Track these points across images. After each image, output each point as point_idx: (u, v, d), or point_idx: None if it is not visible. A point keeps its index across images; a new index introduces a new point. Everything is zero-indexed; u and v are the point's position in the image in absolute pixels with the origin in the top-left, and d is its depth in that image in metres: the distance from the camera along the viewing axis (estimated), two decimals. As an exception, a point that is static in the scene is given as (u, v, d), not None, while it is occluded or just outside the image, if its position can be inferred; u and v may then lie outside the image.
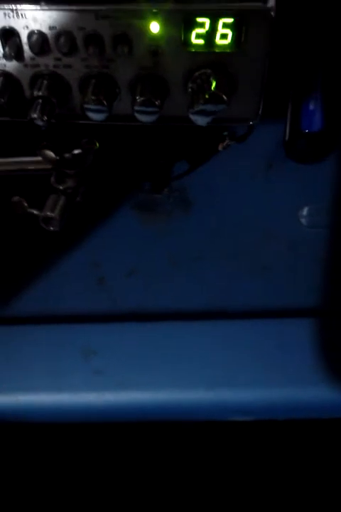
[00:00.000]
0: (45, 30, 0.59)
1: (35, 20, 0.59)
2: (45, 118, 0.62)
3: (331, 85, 0.72)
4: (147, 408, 0.62)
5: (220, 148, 0.71)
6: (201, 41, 0.60)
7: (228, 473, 1.20)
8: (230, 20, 0.58)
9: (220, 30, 0.59)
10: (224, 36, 0.59)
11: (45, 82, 0.62)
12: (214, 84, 0.60)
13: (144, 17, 0.58)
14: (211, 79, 0.61)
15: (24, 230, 0.67)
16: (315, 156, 0.72)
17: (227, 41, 0.59)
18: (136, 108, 0.62)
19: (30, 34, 0.60)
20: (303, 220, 0.69)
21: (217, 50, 0.60)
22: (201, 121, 0.63)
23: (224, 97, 0.61)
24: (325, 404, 0.61)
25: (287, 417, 0.67)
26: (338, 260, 0.66)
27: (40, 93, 0.62)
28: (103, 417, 0.64)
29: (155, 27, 0.59)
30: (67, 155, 0.66)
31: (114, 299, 0.65)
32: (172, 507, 1.18)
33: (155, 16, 0.58)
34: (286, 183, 0.71)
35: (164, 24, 0.58)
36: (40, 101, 0.62)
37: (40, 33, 0.59)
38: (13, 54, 0.61)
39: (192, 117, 0.63)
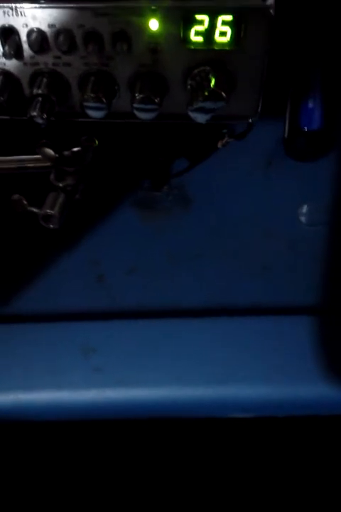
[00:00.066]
0: (44, 28, 0.59)
1: (34, 18, 0.59)
2: (45, 116, 0.62)
3: (330, 83, 0.72)
4: (147, 405, 0.62)
5: (219, 145, 0.71)
6: (200, 38, 0.60)
7: (228, 470, 1.20)
8: (229, 17, 0.58)
9: (219, 27, 0.59)
10: (223, 34, 0.59)
11: (45, 80, 0.62)
12: (213, 81, 0.60)
13: (143, 14, 0.58)
14: (210, 76, 0.61)
15: (24, 228, 0.67)
16: (315, 153, 0.72)
17: (226, 39, 0.59)
18: (135, 105, 0.62)
19: (30, 32, 0.60)
20: (303, 218, 0.69)
21: (216, 48, 0.60)
22: (200, 118, 0.63)
23: (223, 95, 0.61)
24: (324, 401, 0.61)
25: (286, 413, 0.67)
26: (337, 258, 0.67)
27: (40, 91, 0.62)
28: (103, 415, 0.64)
29: (154, 24, 0.59)
30: (66, 153, 0.66)
31: (114, 296, 0.65)
32: (173, 505, 1.18)
33: (154, 13, 0.58)
34: (286, 181, 0.71)
35: (163, 21, 0.58)
36: (40, 99, 0.62)
37: (40, 31, 0.59)
38: (12, 52, 0.61)
39: (192, 115, 0.63)
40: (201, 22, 0.59)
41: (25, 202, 0.64)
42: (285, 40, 0.71)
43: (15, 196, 0.65)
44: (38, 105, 0.62)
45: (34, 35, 0.60)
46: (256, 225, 0.69)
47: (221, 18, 0.58)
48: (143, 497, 1.19)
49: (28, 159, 0.68)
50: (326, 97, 0.71)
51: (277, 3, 0.57)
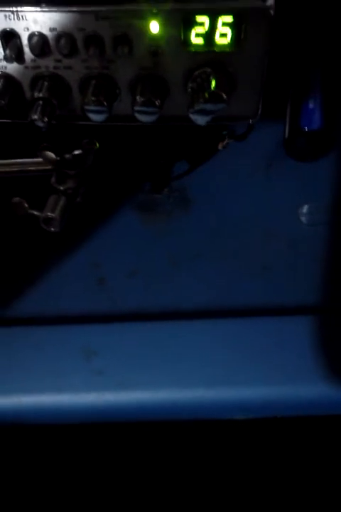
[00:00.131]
0: (45, 31, 0.59)
1: (35, 21, 0.58)
2: (46, 119, 0.61)
3: (330, 84, 0.72)
4: (147, 408, 0.62)
5: (220, 147, 0.71)
6: (200, 40, 0.59)
7: (228, 472, 1.20)
8: (229, 19, 0.58)
9: (220, 29, 0.59)
10: (223, 35, 0.59)
11: (46, 83, 0.62)
12: (213, 83, 0.60)
13: (144, 17, 0.58)
14: (211, 78, 0.61)
15: (25, 231, 0.67)
16: (315, 154, 0.72)
17: (227, 40, 0.59)
18: (136, 108, 0.62)
19: (31, 36, 0.60)
20: (303, 218, 0.69)
21: (216, 49, 0.60)
22: (201, 120, 0.63)
23: (224, 96, 0.61)
24: (324, 402, 0.61)
25: (286, 414, 0.67)
26: (338, 258, 0.67)
27: (41, 94, 0.62)
28: (103, 417, 0.64)
29: (154, 27, 0.59)
30: (67, 156, 0.66)
31: (115, 299, 0.65)
32: (173, 507, 1.19)
33: (154, 16, 0.58)
34: (286, 182, 0.71)
35: (164, 24, 0.58)
36: (41, 102, 0.62)
37: (41, 35, 0.59)
38: (13, 56, 0.60)
39: (192, 117, 0.63)
40: (201, 24, 0.58)
41: (26, 205, 0.64)
42: (286, 41, 0.71)
43: (16, 199, 0.65)
44: (39, 108, 0.61)
45: (35, 39, 0.60)
46: (256, 225, 0.69)
47: (221, 19, 0.58)
48: (144, 499, 1.19)
49: (29, 162, 0.68)
50: (326, 98, 0.71)
51: (277, 3, 0.57)
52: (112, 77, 0.62)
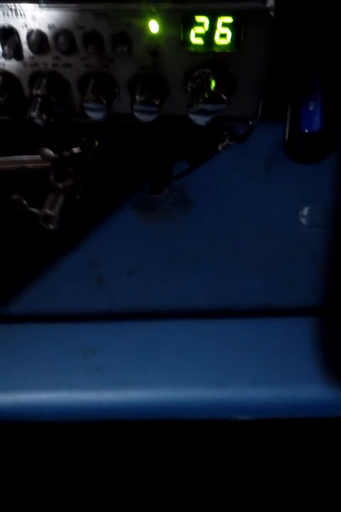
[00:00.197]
0: (44, 29, 0.59)
1: (34, 19, 0.59)
2: (44, 117, 0.62)
3: (331, 85, 0.72)
4: (147, 407, 0.62)
5: (220, 148, 0.71)
6: (200, 41, 0.59)
7: (228, 473, 1.20)
8: (229, 19, 0.58)
9: (219, 29, 0.59)
10: (223, 36, 0.59)
11: (44, 81, 0.62)
12: (213, 83, 0.60)
13: (143, 16, 0.58)
14: (210, 78, 0.61)
15: (23, 229, 0.67)
16: (315, 155, 0.72)
17: (227, 41, 0.59)
18: (136, 107, 0.62)
19: (29, 33, 0.60)
20: (303, 220, 0.69)
21: (216, 50, 0.60)
22: (201, 120, 0.63)
23: (224, 97, 0.61)
24: (325, 403, 0.61)
25: (287, 415, 0.67)
26: (338, 260, 0.67)
27: (40, 92, 0.62)
28: (102, 416, 0.64)
29: (154, 26, 0.59)
30: (66, 153, 0.66)
31: (114, 297, 0.65)
32: (173, 507, 1.18)
33: (154, 15, 0.58)
34: (286, 183, 0.71)
35: (163, 24, 0.58)
36: (40, 100, 0.62)
37: (39, 32, 0.59)
38: (12, 53, 0.61)
39: (192, 117, 0.63)
40: (201, 24, 0.59)
41: (24, 202, 0.64)
42: (286, 42, 0.71)
43: (15, 196, 0.65)
44: (38, 106, 0.62)
45: (34, 36, 0.60)
46: (256, 226, 0.69)
47: (221, 20, 0.58)
48: (143, 498, 1.19)
49: (27, 160, 0.68)
50: (326, 99, 0.71)
51: (277, 4, 0.57)
52: (111, 75, 0.62)
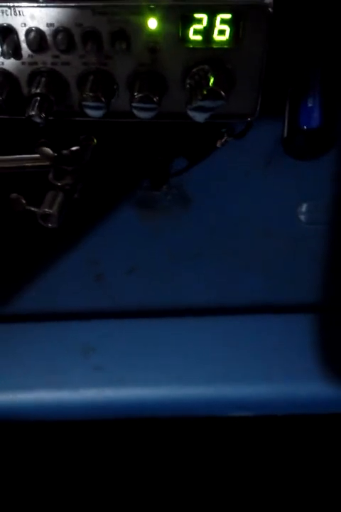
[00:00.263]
0: (42, 27, 0.59)
1: (32, 17, 0.59)
2: (43, 115, 0.62)
3: (329, 82, 0.72)
4: (147, 404, 0.61)
5: (218, 144, 0.71)
6: (199, 37, 0.60)
7: (228, 469, 1.20)
8: (228, 16, 0.58)
9: (218, 26, 0.59)
10: (221, 32, 0.59)
11: (43, 79, 0.62)
12: (212, 80, 0.60)
13: (142, 13, 0.58)
14: (209, 75, 0.61)
15: (22, 227, 0.67)
16: (314, 152, 0.72)
17: (225, 37, 0.59)
18: (134, 104, 0.62)
19: (28, 31, 0.60)
20: (302, 217, 0.69)
21: (214, 46, 0.60)
22: (199, 117, 0.63)
23: (222, 93, 0.61)
24: (324, 400, 0.61)
25: (287, 412, 0.67)
26: (337, 256, 0.66)
27: (38, 90, 0.62)
28: (102, 414, 0.64)
29: (152, 23, 0.59)
30: (65, 152, 0.66)
31: (113, 296, 0.65)
32: (172, 504, 1.18)
33: (152, 12, 0.58)
34: (285, 180, 0.71)
35: (162, 20, 0.59)
36: (38, 98, 0.62)
37: (38, 31, 0.59)
38: (10, 51, 0.60)
39: (191, 113, 0.63)
40: (200, 21, 0.59)
41: (23, 201, 0.64)
42: (284, 39, 0.71)
43: (14, 195, 0.65)
44: (37, 104, 0.62)
45: (32, 35, 0.60)
46: (255, 223, 0.68)
47: (220, 16, 0.58)
48: (144, 497, 1.19)
49: (26, 158, 0.68)
50: (325, 96, 0.71)
51: (276, 1, 0.57)
52: (110, 73, 0.62)
